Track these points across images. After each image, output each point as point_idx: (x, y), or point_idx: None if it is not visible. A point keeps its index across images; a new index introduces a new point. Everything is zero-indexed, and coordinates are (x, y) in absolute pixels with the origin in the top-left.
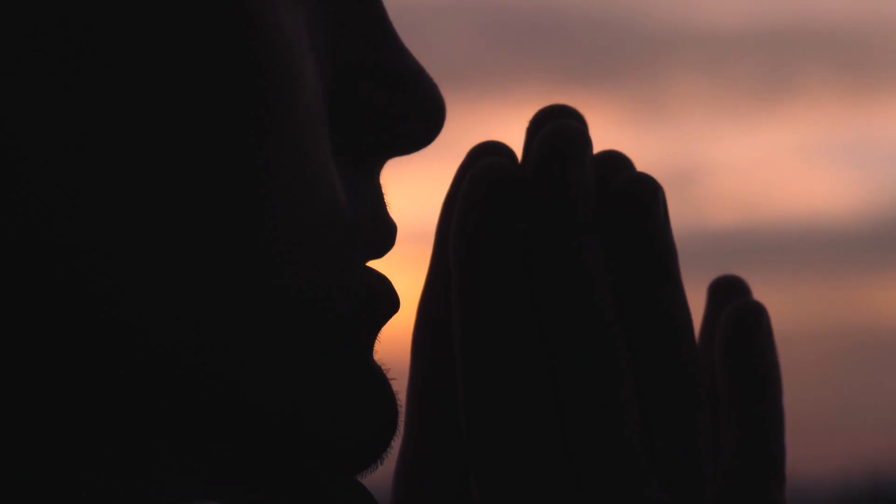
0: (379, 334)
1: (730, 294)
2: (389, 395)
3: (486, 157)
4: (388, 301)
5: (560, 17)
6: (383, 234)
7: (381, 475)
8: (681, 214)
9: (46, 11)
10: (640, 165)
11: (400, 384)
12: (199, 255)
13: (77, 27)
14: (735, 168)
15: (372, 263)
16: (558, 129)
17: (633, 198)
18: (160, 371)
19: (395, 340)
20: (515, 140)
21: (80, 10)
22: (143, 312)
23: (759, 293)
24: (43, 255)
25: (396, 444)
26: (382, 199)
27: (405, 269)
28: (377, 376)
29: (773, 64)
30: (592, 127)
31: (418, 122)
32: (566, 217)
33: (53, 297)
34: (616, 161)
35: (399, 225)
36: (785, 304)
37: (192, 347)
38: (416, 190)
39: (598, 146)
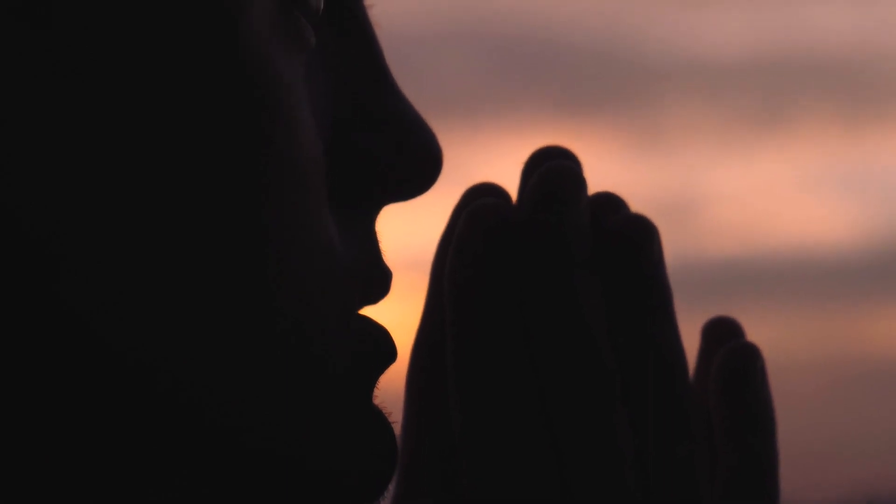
0: (377, 382)
1: (723, 335)
2: (390, 434)
3: (481, 197)
4: (385, 350)
5: (558, 48)
6: (378, 280)
7: None
8: (679, 244)
9: (60, 67)
10: (638, 195)
11: (399, 427)
12: (200, 304)
13: (81, 77)
14: (734, 198)
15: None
16: (553, 171)
17: (628, 238)
18: (165, 412)
19: (391, 385)
20: (513, 167)
21: (86, 59)
22: (151, 360)
23: (759, 323)
24: (50, 301)
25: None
26: (377, 245)
27: (401, 297)
28: (377, 416)
29: (772, 94)
30: (591, 156)
31: (415, 171)
32: (561, 258)
33: (60, 338)
34: (611, 201)
35: (395, 253)
36: (784, 334)
37: (197, 390)
38: (412, 218)
39: (597, 175)
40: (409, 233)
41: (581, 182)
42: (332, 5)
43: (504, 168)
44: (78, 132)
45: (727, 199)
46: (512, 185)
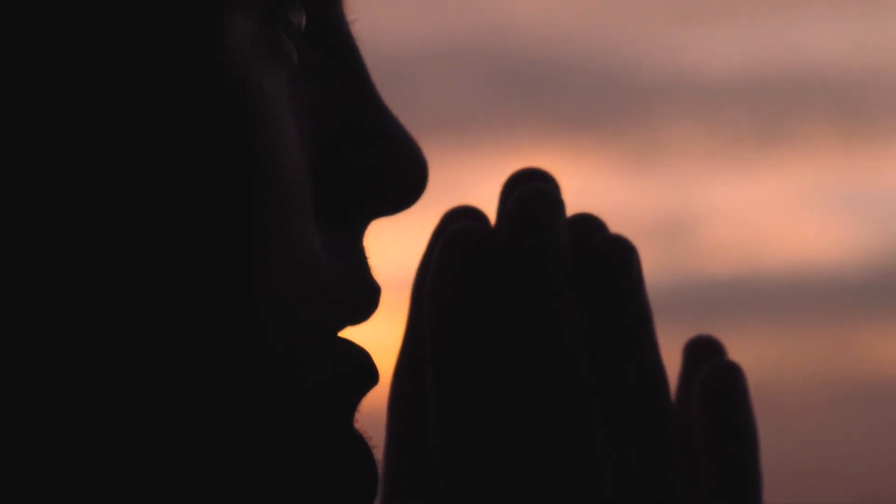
0: (359, 406)
1: (705, 354)
2: (370, 459)
3: (459, 220)
4: (366, 373)
5: (552, 66)
6: (367, 296)
7: None
8: (677, 262)
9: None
10: (635, 213)
11: (381, 452)
12: (181, 319)
13: (65, 97)
14: (731, 216)
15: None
16: (531, 193)
17: (607, 258)
18: (142, 428)
19: (373, 406)
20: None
21: (70, 79)
22: (132, 375)
23: (757, 341)
24: (38, 321)
25: None
26: (366, 260)
27: (386, 315)
28: (357, 441)
29: (769, 112)
30: (587, 174)
31: (401, 184)
32: (539, 280)
33: (47, 360)
34: (590, 222)
35: (382, 272)
36: (782, 352)
37: (176, 405)
38: (401, 235)
39: (593, 194)
40: (399, 250)
41: (559, 204)
42: (314, 21)
43: (497, 186)
44: (63, 149)
45: (724, 217)
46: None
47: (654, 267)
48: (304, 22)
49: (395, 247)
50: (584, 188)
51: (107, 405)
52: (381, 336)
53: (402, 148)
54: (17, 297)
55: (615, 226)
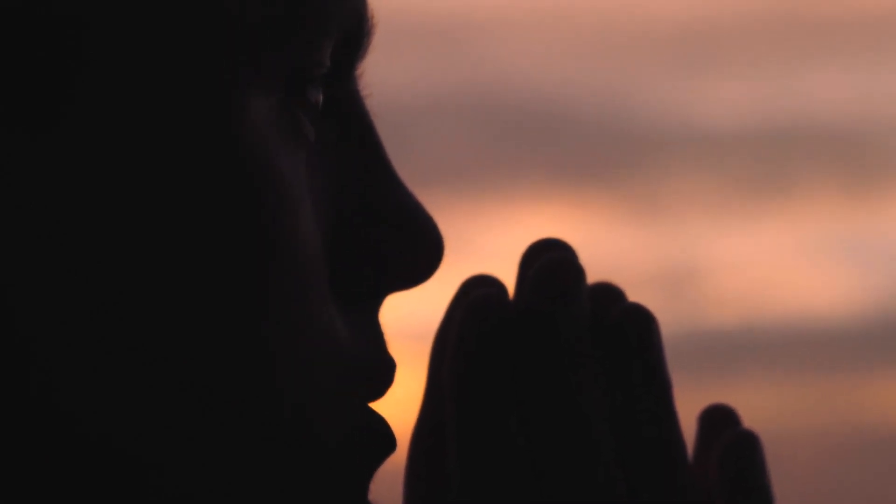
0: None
1: (720, 422)
2: None
3: (478, 289)
4: (384, 441)
5: (555, 117)
6: (382, 372)
7: None
8: (680, 313)
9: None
10: (639, 264)
11: None
12: (200, 392)
13: (83, 178)
14: (735, 266)
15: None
16: (552, 264)
17: (628, 330)
18: (153, 497)
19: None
20: (510, 237)
21: (88, 159)
22: (148, 449)
23: (761, 391)
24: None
25: None
26: (382, 336)
27: (402, 366)
28: None
29: (772, 163)
30: (591, 226)
31: (417, 260)
32: (561, 346)
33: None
34: (609, 292)
35: (399, 323)
36: (787, 402)
37: (187, 475)
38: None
39: (598, 245)
40: (411, 301)
41: (580, 273)
42: (331, 98)
43: (501, 237)
44: (76, 231)
45: (728, 267)
46: (505, 250)
47: (658, 317)
48: (321, 100)
49: (403, 299)
50: (587, 239)
51: (121, 479)
52: (395, 388)
53: (418, 225)
54: (24, 382)
55: (619, 276)
